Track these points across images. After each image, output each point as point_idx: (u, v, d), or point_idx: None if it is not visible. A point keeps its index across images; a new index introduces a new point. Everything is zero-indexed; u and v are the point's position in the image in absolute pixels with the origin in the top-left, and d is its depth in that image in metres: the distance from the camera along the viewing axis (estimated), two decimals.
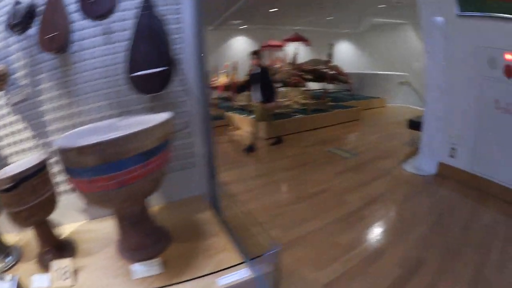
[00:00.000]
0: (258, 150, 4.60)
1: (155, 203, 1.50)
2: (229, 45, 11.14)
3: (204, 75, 1.51)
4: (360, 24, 11.16)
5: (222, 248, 1.20)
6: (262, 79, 4.42)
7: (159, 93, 1.34)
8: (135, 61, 1.25)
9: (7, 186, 0.95)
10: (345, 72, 7.53)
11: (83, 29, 1.30)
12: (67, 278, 1.02)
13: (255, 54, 4.48)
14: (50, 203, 1.11)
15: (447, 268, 2.04)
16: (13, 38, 1.27)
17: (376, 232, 2.52)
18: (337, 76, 7.20)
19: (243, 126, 5.94)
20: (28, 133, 1.37)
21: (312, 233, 2.44)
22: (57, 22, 1.18)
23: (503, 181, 2.96)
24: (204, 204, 1.55)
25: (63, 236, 1.26)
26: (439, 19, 3.26)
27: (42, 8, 1.20)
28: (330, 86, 7.98)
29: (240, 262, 1.09)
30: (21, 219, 1.03)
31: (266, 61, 7.95)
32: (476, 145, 3.19)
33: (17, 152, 1.38)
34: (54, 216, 1.14)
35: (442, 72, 3.41)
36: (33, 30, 1.22)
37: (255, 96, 4.52)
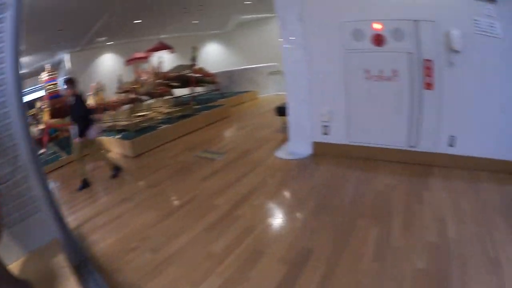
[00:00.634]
0: (124, 171, 4.25)
1: (15, 258, 1.47)
2: (97, 64, 10.67)
3: (24, 117, 1.49)
4: (228, 24, 11.67)
5: None
6: (78, 110, 3.77)
7: None
8: None
9: None
10: (211, 72, 7.83)
11: None
12: None
13: (69, 82, 3.74)
14: None
15: (342, 251, 1.92)
16: None
17: (252, 230, 2.29)
18: (203, 79, 7.40)
19: (113, 148, 5.56)
20: None
21: (184, 248, 2.24)
22: None
23: (382, 144, 3.21)
24: (58, 248, 1.58)
25: None
26: (292, 1, 3.30)
27: None
28: (200, 89, 8.24)
29: None
30: None
31: (133, 75, 7.90)
32: (349, 117, 3.32)
33: None
34: None
35: (302, 55, 3.43)
36: None
37: (74, 131, 3.83)
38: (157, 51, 7.92)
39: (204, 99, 8.05)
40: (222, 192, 2.98)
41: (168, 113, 6.15)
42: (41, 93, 7.02)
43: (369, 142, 3.28)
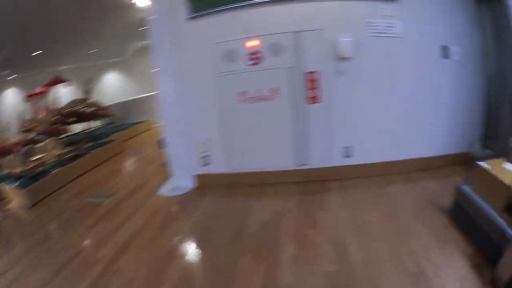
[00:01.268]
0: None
1: None
2: (1, 100, 9.51)
3: None
4: (126, 51, 11.21)
5: None
6: None
7: None
8: None
9: None
10: (104, 106, 7.37)
11: None
12: None
13: None
14: None
15: None
16: None
17: (132, 283, 2.05)
18: (97, 112, 6.93)
19: (12, 198, 4.81)
20: None
21: None
22: None
23: (269, 168, 3.04)
24: None
25: None
26: (166, 28, 3.06)
27: None
28: (96, 124, 7.92)
29: None
30: None
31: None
32: (229, 145, 3.14)
33: None
34: None
35: (175, 83, 3.20)
36: None
37: None
38: (53, 85, 7.09)
39: (99, 134, 7.62)
40: (106, 241, 2.71)
41: (60, 154, 5.61)
42: None
43: (254, 168, 3.11)
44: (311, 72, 2.81)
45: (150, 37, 3.18)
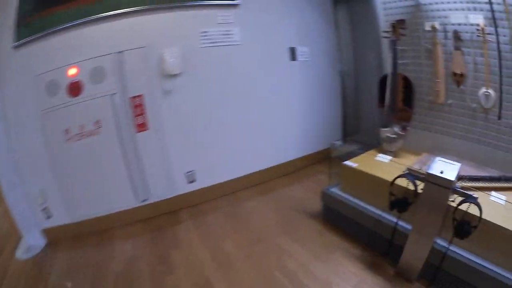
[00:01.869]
0: None
1: None
2: None
3: None
4: None
5: None
6: None
7: None
8: None
9: None
10: None
11: None
12: None
13: None
14: None
15: None
16: None
17: None
18: None
19: None
20: None
21: None
22: None
23: (111, 210, 2.64)
24: None
25: None
26: None
27: None
28: None
29: None
30: None
31: None
32: (65, 192, 2.61)
33: None
34: None
35: None
36: None
37: None
38: None
39: None
40: None
41: None
42: None
43: (98, 212, 2.68)
44: (137, 96, 2.30)
45: None
